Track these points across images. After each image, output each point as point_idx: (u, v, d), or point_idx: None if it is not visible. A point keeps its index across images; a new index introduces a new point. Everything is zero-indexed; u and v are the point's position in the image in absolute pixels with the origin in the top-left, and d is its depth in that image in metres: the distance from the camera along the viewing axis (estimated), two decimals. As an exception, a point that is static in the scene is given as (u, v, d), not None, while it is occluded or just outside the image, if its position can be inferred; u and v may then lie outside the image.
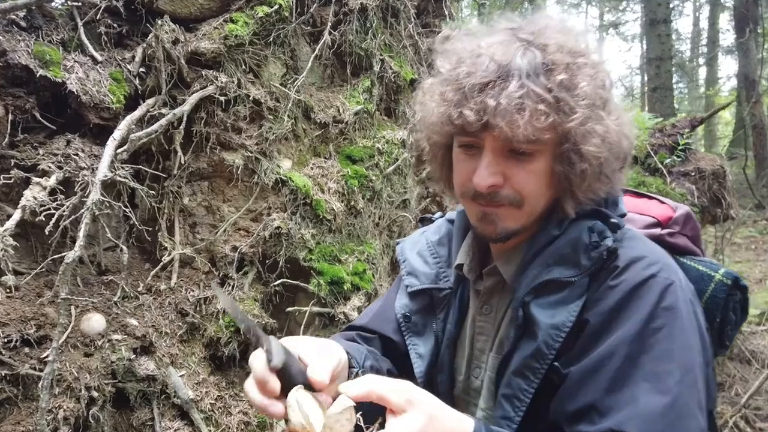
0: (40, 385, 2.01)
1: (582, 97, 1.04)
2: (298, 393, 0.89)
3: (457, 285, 1.30)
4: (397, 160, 3.56)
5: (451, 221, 1.42)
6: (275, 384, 0.89)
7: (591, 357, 1.01)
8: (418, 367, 1.28)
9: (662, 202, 1.32)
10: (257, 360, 0.92)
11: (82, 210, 2.18)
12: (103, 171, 2.30)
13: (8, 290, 2.46)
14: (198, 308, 2.95)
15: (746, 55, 13.84)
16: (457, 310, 1.29)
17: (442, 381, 1.28)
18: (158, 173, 2.81)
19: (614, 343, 1.00)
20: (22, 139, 2.57)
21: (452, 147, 1.19)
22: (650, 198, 1.35)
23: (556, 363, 1.05)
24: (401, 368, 1.33)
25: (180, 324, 2.88)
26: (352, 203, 3.31)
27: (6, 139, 2.49)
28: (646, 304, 1.01)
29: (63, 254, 2.11)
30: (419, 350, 1.29)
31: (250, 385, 0.93)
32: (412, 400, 0.86)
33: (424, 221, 1.55)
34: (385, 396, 0.85)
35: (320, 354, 0.98)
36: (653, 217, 1.27)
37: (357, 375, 1.10)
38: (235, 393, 2.95)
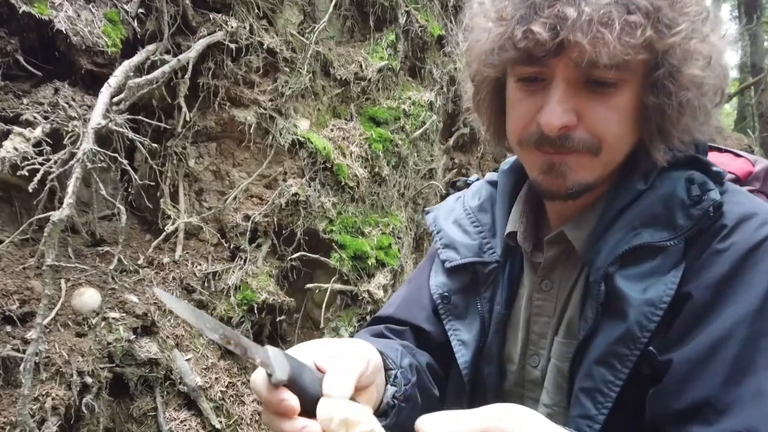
0: (22, 368, 1.67)
1: (685, 4, 0.84)
2: (333, 403, 0.69)
3: (505, 258, 1.09)
4: (424, 123, 3.22)
5: (492, 183, 1.18)
6: (291, 399, 0.70)
7: (699, 341, 0.82)
8: (462, 356, 1.08)
9: (738, 155, 1.14)
10: (257, 378, 0.73)
11: (72, 162, 1.84)
12: (96, 118, 1.96)
13: (-13, 260, 2.13)
14: (206, 284, 2.61)
15: (755, 42, 13.46)
16: (506, 288, 1.08)
17: (489, 373, 1.08)
18: (160, 124, 2.46)
19: (729, 322, 0.81)
20: (3, 87, 2.22)
21: (506, 85, 0.97)
22: (722, 151, 1.16)
23: (650, 348, 0.86)
24: (440, 361, 1.13)
25: (186, 301, 2.54)
26: (377, 170, 2.98)
27: (-17, 85, 2.14)
28: (764, 272, 0.82)
29: (49, 213, 1.76)
30: (462, 336, 1.09)
31: (267, 417, 0.74)
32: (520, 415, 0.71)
33: (456, 186, 1.30)
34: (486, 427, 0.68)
35: (341, 357, 0.78)
36: (731, 172, 1.08)
37: (396, 378, 0.93)
38: (248, 380, 2.62)
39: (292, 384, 0.70)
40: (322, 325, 2.84)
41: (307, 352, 0.79)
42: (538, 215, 1.08)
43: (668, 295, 0.85)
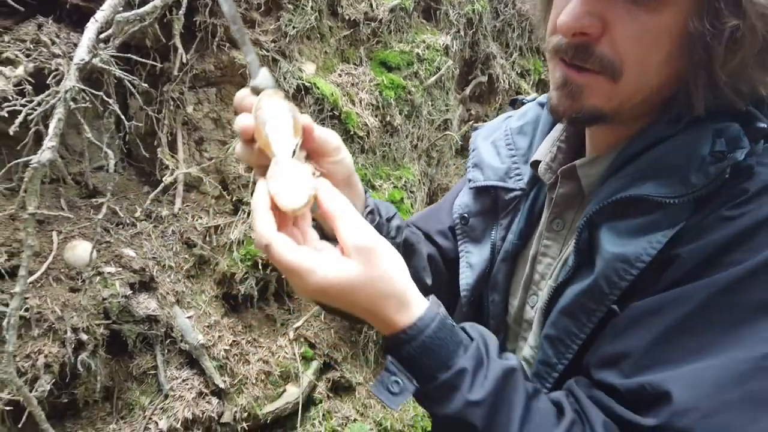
0: (5, 323, 1.55)
1: None
2: (273, 101, 0.72)
3: (530, 187, 1.03)
4: (439, 69, 3.00)
5: (542, 105, 1.10)
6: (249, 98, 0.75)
7: (659, 297, 0.72)
8: (466, 278, 1.05)
9: None
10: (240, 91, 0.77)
11: (53, 101, 1.67)
12: (80, 54, 1.78)
13: (-28, 210, 1.99)
14: (207, 239, 2.48)
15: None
16: (524, 218, 1.02)
17: (494, 301, 1.04)
18: (155, 64, 2.26)
19: (701, 285, 0.69)
20: (-19, 22, 2.04)
21: None
22: None
23: (614, 306, 0.77)
24: (441, 276, 1.12)
25: (186, 257, 2.41)
26: (388, 119, 2.78)
27: (-41, 20, 1.96)
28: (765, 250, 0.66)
29: (29, 158, 1.61)
30: (471, 259, 1.06)
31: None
32: (367, 250, 0.67)
33: (514, 104, 1.20)
34: (339, 229, 0.68)
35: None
36: None
37: (379, 226, 0.96)
38: (253, 338, 2.51)
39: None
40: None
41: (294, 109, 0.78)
42: (577, 145, 0.96)
43: (648, 255, 0.73)
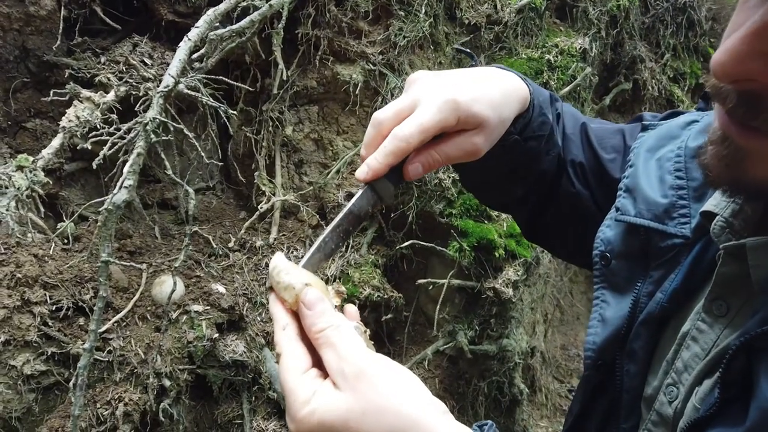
0: (72, 383, 1.41)
1: None
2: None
3: (698, 236, 0.77)
4: (575, 77, 2.54)
5: None
6: None
7: None
8: (593, 335, 0.84)
9: None
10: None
11: (133, 134, 1.50)
12: (166, 81, 1.60)
13: (65, 241, 1.92)
14: (302, 273, 2.25)
15: None
16: (682, 277, 0.76)
17: (629, 372, 0.80)
18: (249, 88, 2.07)
19: None
20: (80, 44, 1.96)
21: None
22: None
23: None
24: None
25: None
26: (511, 138, 2.38)
27: (58, 42, 1.88)
28: None
29: (104, 198, 1.45)
30: (606, 312, 0.84)
31: None
32: (354, 377, 0.58)
33: (708, 100, 0.90)
34: (323, 358, 0.60)
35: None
36: None
37: (528, 116, 0.86)
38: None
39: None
40: (436, 327, 2.37)
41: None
42: None
43: None
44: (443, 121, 0.74)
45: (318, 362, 0.61)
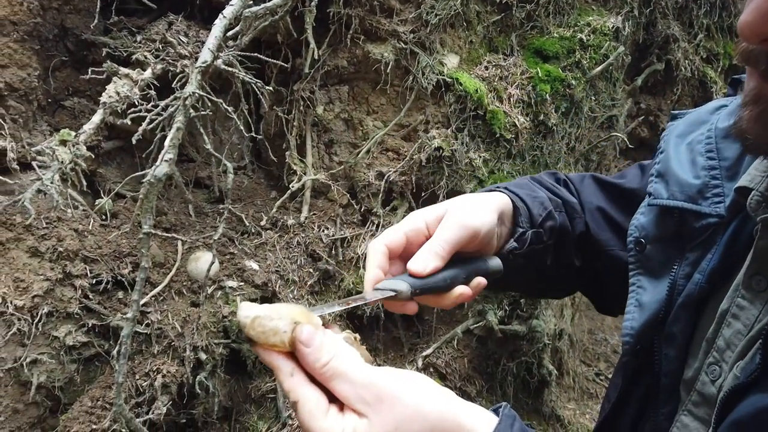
0: (115, 351, 1.44)
1: None
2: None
3: (733, 214, 0.77)
4: (607, 57, 2.50)
5: None
6: None
7: None
8: (630, 320, 0.83)
9: None
10: None
11: (173, 107, 1.52)
12: (204, 56, 1.62)
13: (103, 217, 1.96)
14: (333, 251, 2.27)
15: None
16: (719, 256, 0.77)
17: (668, 356, 0.79)
18: (283, 64, 2.07)
19: None
20: (117, 23, 1.99)
21: None
22: None
23: None
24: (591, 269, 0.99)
25: (311, 270, 2.23)
26: (542, 117, 2.37)
27: (96, 21, 1.91)
28: None
29: (145, 171, 1.47)
30: (642, 297, 0.83)
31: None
32: (375, 398, 0.59)
33: (736, 86, 0.88)
34: (335, 390, 0.60)
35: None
36: None
37: (523, 234, 0.89)
38: (378, 364, 2.27)
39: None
40: (465, 306, 2.38)
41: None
42: None
43: None
44: None
45: (329, 396, 0.61)
